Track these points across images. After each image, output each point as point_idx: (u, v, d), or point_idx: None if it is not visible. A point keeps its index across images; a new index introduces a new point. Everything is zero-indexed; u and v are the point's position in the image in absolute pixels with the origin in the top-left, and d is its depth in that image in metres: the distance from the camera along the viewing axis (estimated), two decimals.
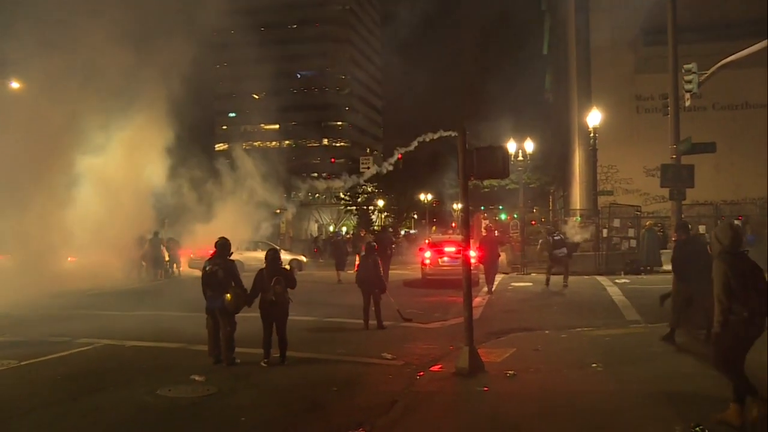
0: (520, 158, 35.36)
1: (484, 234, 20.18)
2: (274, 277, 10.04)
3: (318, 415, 7.73)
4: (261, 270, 10.27)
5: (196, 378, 9.15)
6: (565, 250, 20.12)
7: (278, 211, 39.02)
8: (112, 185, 23.66)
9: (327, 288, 21.68)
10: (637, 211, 28.99)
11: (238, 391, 8.69)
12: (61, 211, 22.20)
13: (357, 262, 14.79)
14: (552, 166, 48.28)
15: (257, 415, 7.68)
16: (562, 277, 19.85)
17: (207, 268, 10.36)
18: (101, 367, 10.22)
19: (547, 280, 19.84)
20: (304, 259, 29.15)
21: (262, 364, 9.97)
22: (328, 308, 16.21)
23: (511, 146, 33.88)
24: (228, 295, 10.04)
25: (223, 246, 10.49)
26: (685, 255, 11.00)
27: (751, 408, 6.43)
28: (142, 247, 24.86)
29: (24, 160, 20.96)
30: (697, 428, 6.44)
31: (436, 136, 34.70)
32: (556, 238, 20.14)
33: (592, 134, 28.88)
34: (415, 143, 35.90)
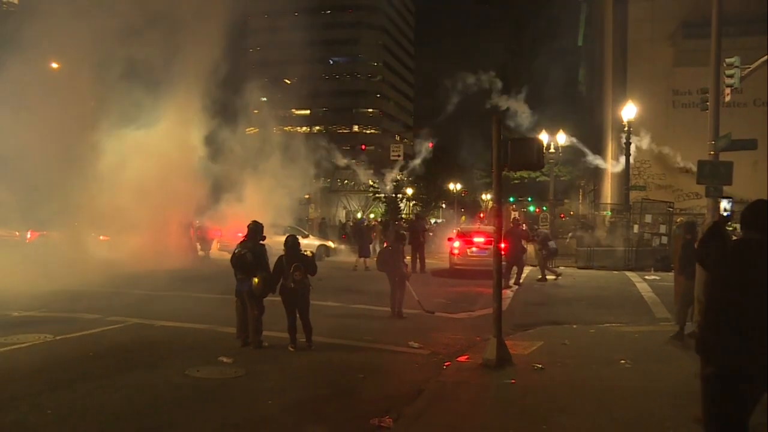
0: (552, 150, 35.05)
1: (510, 226, 20.05)
2: (294, 263, 10.05)
3: (345, 401, 7.74)
4: (281, 256, 10.27)
5: (224, 360, 9.24)
6: (554, 243, 21.38)
7: (307, 196, 39.16)
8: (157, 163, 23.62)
9: (353, 274, 21.75)
10: (669, 207, 28.60)
11: (266, 374, 8.73)
12: (102, 190, 22.37)
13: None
14: (582, 160, 47.85)
15: (284, 398, 7.71)
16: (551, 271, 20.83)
17: (237, 251, 10.44)
18: (132, 345, 10.35)
19: (545, 274, 20.43)
20: (332, 245, 29.20)
21: (290, 348, 10.04)
22: (355, 295, 16.24)
23: (544, 138, 33.59)
24: (255, 279, 10.11)
25: (254, 230, 10.56)
26: (690, 254, 10.95)
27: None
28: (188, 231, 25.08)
29: (65, 139, 21.19)
30: None
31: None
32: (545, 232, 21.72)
33: (626, 128, 28.53)
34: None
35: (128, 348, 10.11)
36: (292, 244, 10.30)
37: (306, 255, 10.47)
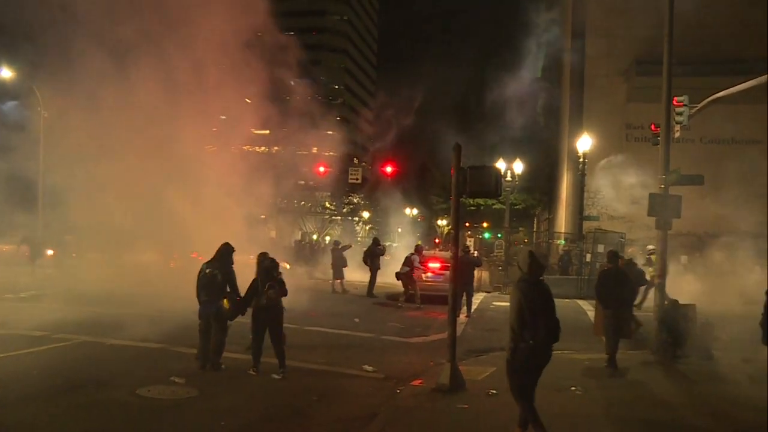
0: (509, 178, 35.56)
1: (461, 254, 20.05)
2: (268, 283, 9.97)
3: (298, 424, 7.72)
4: (255, 278, 10.14)
5: (177, 380, 9.12)
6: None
7: (263, 216, 38.85)
8: None
9: (309, 295, 21.66)
10: (621, 237, 29.20)
11: (219, 395, 8.66)
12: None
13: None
14: (539, 188, 48.63)
15: (237, 419, 7.66)
16: None
17: (207, 271, 10.18)
18: (80, 364, 10.14)
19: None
20: (287, 266, 28.96)
21: (251, 372, 9.85)
22: (310, 317, 16.17)
23: (501, 166, 34.06)
24: (225, 300, 9.98)
25: (225, 252, 10.39)
26: (609, 283, 11.50)
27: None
28: None
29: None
30: None
31: None
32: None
33: (581, 159, 29.17)
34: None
35: (75, 367, 9.89)
36: (268, 265, 10.17)
37: (280, 276, 10.31)
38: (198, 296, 10.19)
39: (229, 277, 10.23)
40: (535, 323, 6.57)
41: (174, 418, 7.67)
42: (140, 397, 8.33)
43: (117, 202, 22.05)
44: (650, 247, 24.02)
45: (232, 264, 10.43)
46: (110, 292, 17.67)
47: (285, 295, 10.21)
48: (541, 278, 6.89)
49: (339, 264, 23.83)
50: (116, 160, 21.79)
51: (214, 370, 9.90)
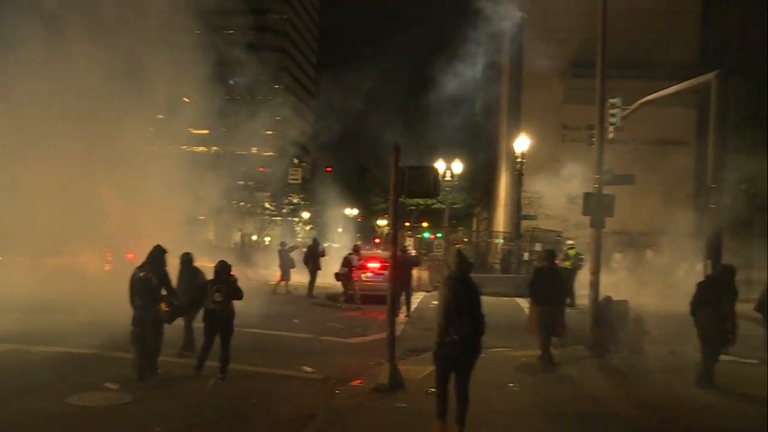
0: (448, 178, 35.90)
1: (399, 254, 20.06)
2: (216, 285, 9.74)
3: (235, 427, 7.61)
4: (208, 280, 9.95)
5: (110, 386, 8.85)
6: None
7: (202, 217, 38.25)
8: None
9: (247, 297, 21.37)
10: (558, 236, 29.80)
11: (154, 400, 8.45)
12: None
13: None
14: (478, 188, 49.22)
15: (173, 424, 7.50)
16: None
17: (141, 275, 9.69)
18: (6, 374, 9.72)
19: None
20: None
21: (193, 374, 9.63)
22: (249, 318, 15.93)
23: (440, 166, 34.36)
24: (162, 304, 9.64)
25: (157, 254, 9.95)
26: (542, 281, 11.78)
27: (432, 426, 6.98)
28: None
29: None
30: None
31: None
32: None
33: (519, 159, 29.64)
34: None
35: (1, 377, 9.44)
36: (219, 269, 9.94)
37: (232, 279, 10.03)
38: (132, 301, 9.68)
39: (164, 280, 9.90)
40: (461, 319, 6.84)
41: (105, 426, 7.44)
42: (70, 406, 8.04)
43: (45, 202, 21.33)
44: (570, 242, 24.73)
45: (165, 266, 10.09)
46: (39, 298, 16.95)
47: (238, 298, 9.97)
48: (468, 276, 7.16)
49: (287, 265, 23.63)
50: (43, 157, 21.09)
51: (152, 374, 9.58)
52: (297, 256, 24.66)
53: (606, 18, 13.96)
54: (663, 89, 17.01)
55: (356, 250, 21.46)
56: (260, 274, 25.05)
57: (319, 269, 22.73)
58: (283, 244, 25.79)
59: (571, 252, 23.17)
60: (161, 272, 9.91)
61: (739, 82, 22.99)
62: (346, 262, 20.14)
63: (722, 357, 12.22)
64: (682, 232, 29.07)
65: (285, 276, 23.52)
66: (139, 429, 7.30)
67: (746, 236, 28.15)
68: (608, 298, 13.54)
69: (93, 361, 10.63)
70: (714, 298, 9.98)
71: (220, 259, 10.22)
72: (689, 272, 24.24)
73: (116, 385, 8.90)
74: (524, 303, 21.87)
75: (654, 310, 16.11)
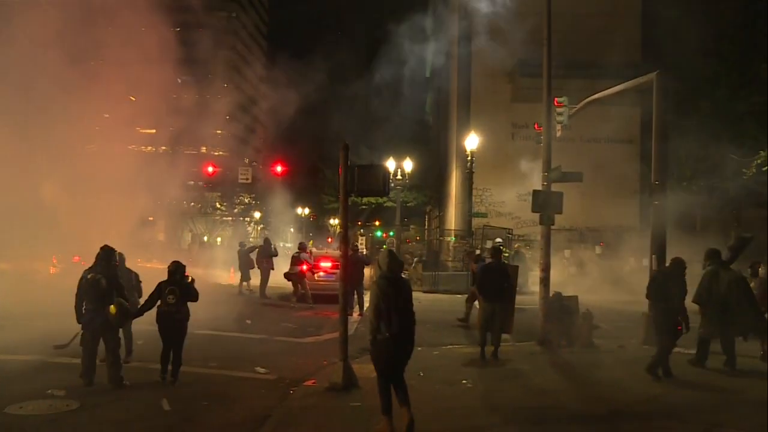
0: (399, 177, 36.03)
1: (350, 253, 20.08)
2: (169, 287, 9.58)
3: (187, 430, 7.49)
4: (161, 282, 9.72)
5: (55, 393, 8.60)
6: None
7: (151, 218, 37.58)
8: None
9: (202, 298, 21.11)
10: (509, 233, 30.19)
11: (103, 406, 8.25)
12: None
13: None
14: (429, 186, 49.50)
15: (123, 431, 7.34)
16: None
17: (89, 277, 9.34)
18: None
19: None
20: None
21: (159, 378, 9.47)
22: (199, 320, 15.71)
23: (390, 165, 34.46)
24: (112, 307, 9.22)
25: (105, 255, 9.57)
26: (488, 277, 12.04)
27: (380, 421, 7.14)
28: None
29: None
30: None
31: None
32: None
33: (469, 157, 29.93)
34: None
35: None
36: (173, 269, 9.77)
37: (186, 281, 9.86)
38: (77, 305, 9.34)
39: (115, 281, 9.56)
40: (391, 316, 7.03)
41: None
42: (10, 416, 7.75)
43: None
44: (498, 240, 25.22)
45: (116, 266, 9.86)
46: None
47: (192, 300, 9.82)
48: (399, 275, 7.44)
49: (245, 265, 23.41)
50: None
51: (118, 387, 9.16)
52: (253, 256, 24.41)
53: (551, 19, 14.18)
54: (608, 88, 17.38)
55: (302, 248, 21.40)
56: (214, 275, 24.74)
57: (272, 269, 22.57)
58: (242, 244, 25.48)
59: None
60: (111, 274, 9.56)
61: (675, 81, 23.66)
62: (295, 261, 20.05)
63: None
64: (629, 228, 29.77)
65: (245, 277, 23.36)
66: None
67: (690, 231, 29.00)
68: (558, 294, 13.80)
69: (36, 367, 10.20)
70: (666, 290, 10.30)
71: (173, 260, 10.04)
72: (636, 268, 24.90)
73: (62, 391, 8.66)
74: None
75: (602, 304, 16.47)
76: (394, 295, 7.14)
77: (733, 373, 10.61)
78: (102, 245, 9.76)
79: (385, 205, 51.02)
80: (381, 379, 7.23)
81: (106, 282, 9.34)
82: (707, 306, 10.97)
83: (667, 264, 11.51)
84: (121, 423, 7.62)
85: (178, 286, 9.65)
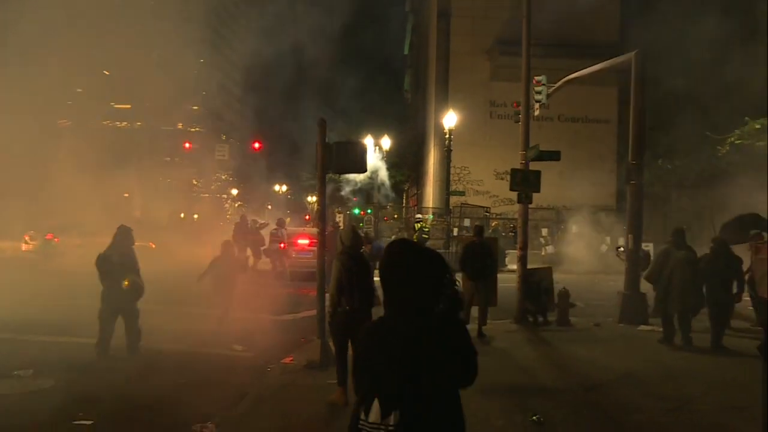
0: (377, 154, 35.97)
1: (330, 230, 20.17)
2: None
3: (165, 408, 7.45)
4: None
5: (21, 373, 8.50)
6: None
7: (126, 194, 37.26)
8: None
9: (175, 276, 20.98)
10: (486, 212, 30.33)
11: (77, 384, 8.17)
12: None
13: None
14: (407, 164, 49.49)
15: (98, 409, 7.28)
16: None
17: (105, 254, 9.78)
18: None
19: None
20: (153, 246, 27.93)
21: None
22: (179, 297, 15.63)
23: (368, 142, 34.37)
24: (126, 281, 9.58)
25: (122, 232, 9.97)
26: (473, 255, 12.11)
27: (336, 393, 7.44)
28: None
29: None
30: (534, 417, 6.96)
31: None
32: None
33: (447, 135, 29.92)
34: None
35: None
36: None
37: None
38: (102, 280, 9.73)
39: (129, 259, 9.90)
40: (352, 291, 7.24)
41: (23, 415, 7.10)
42: None
43: None
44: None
45: (132, 245, 10.10)
46: None
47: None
48: (359, 251, 7.69)
49: (256, 243, 23.20)
50: None
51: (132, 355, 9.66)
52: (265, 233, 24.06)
53: None
54: (586, 68, 17.42)
55: (280, 224, 21.38)
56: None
57: (248, 246, 22.43)
58: (253, 222, 25.09)
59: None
60: (126, 252, 9.91)
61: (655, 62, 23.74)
62: (275, 237, 20.03)
63: (641, 327, 12.81)
64: (606, 207, 29.96)
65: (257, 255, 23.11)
66: (60, 415, 7.03)
67: (664, 211, 29.32)
68: (532, 271, 13.93)
69: (7, 346, 10.09)
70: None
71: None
72: (612, 246, 25.16)
73: (33, 370, 8.57)
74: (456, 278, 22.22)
75: (579, 283, 16.60)
76: (356, 271, 7.33)
77: (691, 349, 10.91)
78: (120, 225, 10.14)
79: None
80: (338, 351, 7.46)
81: (117, 258, 9.71)
82: (656, 284, 11.44)
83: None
84: (97, 401, 7.53)
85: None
